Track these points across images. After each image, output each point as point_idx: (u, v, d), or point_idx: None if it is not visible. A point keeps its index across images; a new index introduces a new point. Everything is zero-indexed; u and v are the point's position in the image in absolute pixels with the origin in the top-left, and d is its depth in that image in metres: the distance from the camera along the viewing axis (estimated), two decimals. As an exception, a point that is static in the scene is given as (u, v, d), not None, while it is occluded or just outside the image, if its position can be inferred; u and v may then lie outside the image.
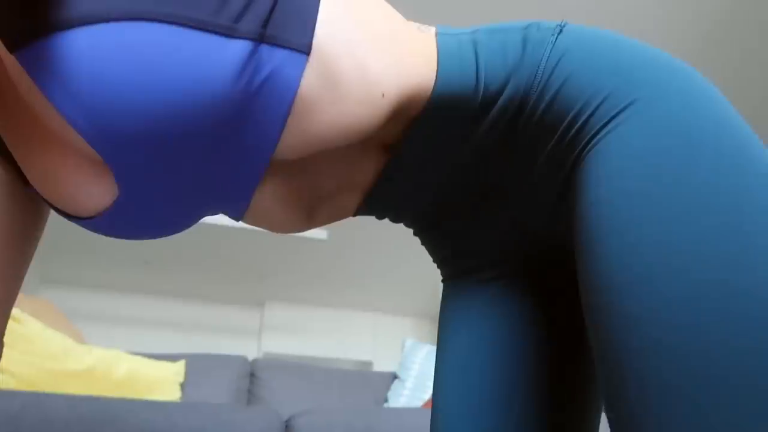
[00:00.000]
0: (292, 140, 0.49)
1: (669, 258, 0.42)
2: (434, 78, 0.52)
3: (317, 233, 4.41)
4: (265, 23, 0.46)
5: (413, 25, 0.56)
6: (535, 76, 0.52)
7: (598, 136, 0.49)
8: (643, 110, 0.47)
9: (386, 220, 3.88)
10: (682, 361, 0.40)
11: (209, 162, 0.49)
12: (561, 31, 0.53)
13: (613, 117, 0.48)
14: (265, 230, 3.15)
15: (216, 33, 0.44)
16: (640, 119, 0.47)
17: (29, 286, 4.96)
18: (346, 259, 5.05)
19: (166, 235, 0.56)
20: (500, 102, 0.53)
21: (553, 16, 2.65)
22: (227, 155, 0.49)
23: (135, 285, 5.63)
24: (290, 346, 5.96)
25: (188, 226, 0.57)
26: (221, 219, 2.94)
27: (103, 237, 4.49)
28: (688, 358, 0.40)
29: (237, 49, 0.44)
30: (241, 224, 2.99)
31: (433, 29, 0.57)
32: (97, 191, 0.49)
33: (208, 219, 2.88)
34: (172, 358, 2.04)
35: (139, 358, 1.83)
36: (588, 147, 0.50)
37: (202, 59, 0.43)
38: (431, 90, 0.52)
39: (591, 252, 0.47)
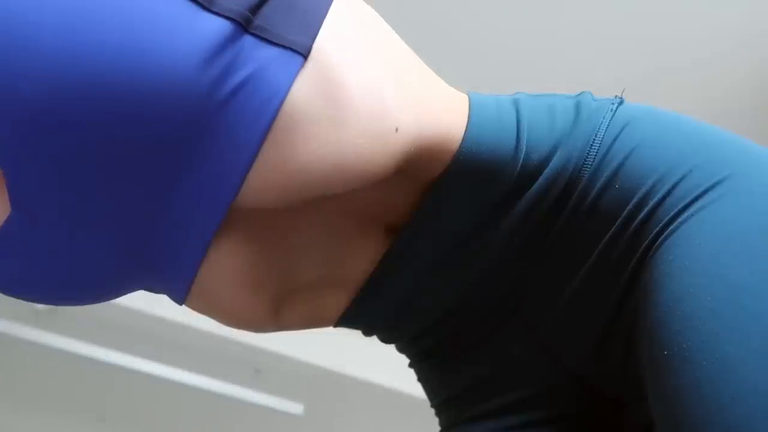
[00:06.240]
0: (267, 173, 0.37)
1: None
2: (463, 129, 0.42)
3: (291, 407, 4.04)
4: (254, 9, 0.36)
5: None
6: (591, 145, 0.42)
7: (680, 219, 0.38)
8: (740, 186, 0.38)
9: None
10: None
11: (141, 188, 0.36)
12: (621, 102, 0.45)
13: (700, 195, 0.38)
14: (236, 397, 2.81)
15: None
16: (737, 196, 0.38)
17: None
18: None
19: (73, 298, 0.40)
20: (544, 176, 0.42)
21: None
22: (170, 184, 0.36)
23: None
24: None
25: (106, 292, 0.42)
26: (186, 376, 2.63)
27: (50, 389, 4.12)
28: None
29: (211, 26, 0.34)
30: (209, 386, 2.65)
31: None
32: None
33: (173, 374, 2.57)
34: None
35: None
36: (664, 233, 0.39)
37: (159, 23, 0.32)
38: (458, 144, 0.41)
39: (675, 375, 0.34)
